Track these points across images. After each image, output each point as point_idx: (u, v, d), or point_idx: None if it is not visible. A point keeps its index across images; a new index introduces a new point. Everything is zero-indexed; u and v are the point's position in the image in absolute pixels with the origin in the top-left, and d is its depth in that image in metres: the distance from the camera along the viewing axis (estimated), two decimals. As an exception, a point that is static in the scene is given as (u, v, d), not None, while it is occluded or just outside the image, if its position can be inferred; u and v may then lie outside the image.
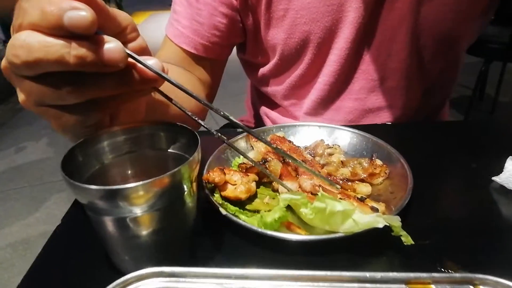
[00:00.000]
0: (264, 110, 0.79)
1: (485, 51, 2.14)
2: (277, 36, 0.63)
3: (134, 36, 0.33)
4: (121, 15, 0.32)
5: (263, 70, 0.71)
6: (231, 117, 0.33)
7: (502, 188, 0.40)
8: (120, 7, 4.38)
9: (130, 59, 0.29)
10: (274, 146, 0.36)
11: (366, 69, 0.64)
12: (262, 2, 0.61)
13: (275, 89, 0.72)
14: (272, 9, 0.61)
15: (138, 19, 5.59)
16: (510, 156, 0.41)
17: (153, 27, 5.13)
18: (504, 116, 2.64)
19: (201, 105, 0.63)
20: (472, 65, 2.23)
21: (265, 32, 0.64)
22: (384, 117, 0.68)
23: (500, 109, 2.68)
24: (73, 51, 0.26)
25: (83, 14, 0.25)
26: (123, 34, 0.32)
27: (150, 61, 0.30)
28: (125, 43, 0.32)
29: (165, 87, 0.33)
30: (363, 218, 0.31)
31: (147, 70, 0.30)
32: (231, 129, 0.61)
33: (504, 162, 0.41)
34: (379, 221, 0.31)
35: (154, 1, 6.59)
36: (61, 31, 0.26)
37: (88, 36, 0.26)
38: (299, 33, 0.61)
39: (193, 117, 0.33)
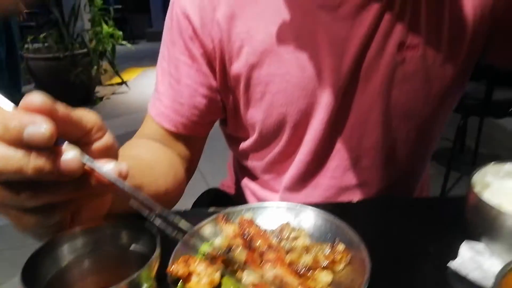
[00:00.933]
0: (245, 181, 0.81)
1: (462, 107, 2.23)
2: (256, 116, 0.67)
3: (99, 135, 0.35)
4: (86, 117, 0.34)
5: (243, 145, 0.74)
6: (181, 224, 0.34)
7: (458, 275, 0.42)
8: (112, 65, 4.51)
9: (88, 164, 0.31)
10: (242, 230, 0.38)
11: (341, 149, 0.67)
12: (240, 85, 0.65)
13: (255, 163, 0.75)
14: (251, 91, 0.65)
15: (130, 75, 5.73)
16: (464, 241, 0.42)
17: (145, 83, 5.25)
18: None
19: (180, 180, 0.65)
20: (451, 116, 2.31)
21: (244, 111, 0.67)
22: (361, 195, 0.70)
23: (482, 160, 2.74)
24: (31, 163, 0.28)
25: (42, 129, 0.28)
26: (88, 136, 0.34)
27: (107, 167, 0.32)
28: (89, 143, 0.34)
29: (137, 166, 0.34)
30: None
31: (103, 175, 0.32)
32: (203, 208, 0.63)
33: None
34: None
35: (146, 58, 6.81)
36: (22, 144, 0.28)
37: (47, 147, 0.29)
38: (276, 115, 0.65)
39: (151, 214, 0.34)
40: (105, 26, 4.38)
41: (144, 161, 0.57)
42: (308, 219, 0.49)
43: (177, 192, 0.64)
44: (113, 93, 4.85)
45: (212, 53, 0.64)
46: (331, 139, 0.66)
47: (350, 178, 0.69)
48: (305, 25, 0.60)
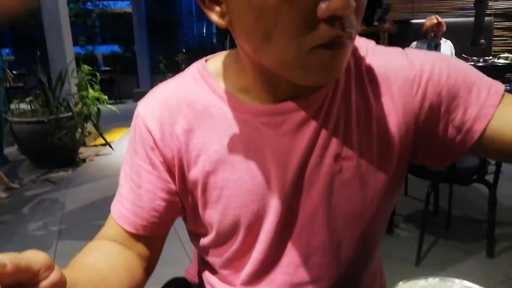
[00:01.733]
0: (206, 273, 0.85)
1: (430, 175, 2.34)
2: (213, 217, 0.72)
3: (47, 274, 0.39)
4: (35, 260, 0.38)
5: (203, 241, 0.78)
6: None
7: None
8: (97, 127, 4.58)
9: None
10: None
11: (292, 248, 0.72)
12: (198, 189, 0.71)
13: (214, 259, 0.79)
14: (207, 195, 0.71)
15: (115, 135, 5.81)
16: None
17: (128, 144, 5.31)
18: (459, 233, 2.75)
19: (137, 283, 0.69)
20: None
21: (202, 212, 0.73)
22: None
23: (455, 224, 2.81)
24: None
25: None
26: (35, 277, 0.38)
27: None
28: (36, 284, 0.38)
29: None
30: None
31: None
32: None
33: None
34: None
35: (131, 118, 6.93)
36: None
37: None
38: (231, 216, 0.70)
39: None
40: (91, 91, 4.52)
41: (98, 271, 0.62)
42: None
43: None
44: (96, 155, 4.89)
45: (171, 161, 0.71)
46: (283, 239, 0.72)
47: (302, 274, 0.73)
48: (253, 139, 0.68)
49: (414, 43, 4.85)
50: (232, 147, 0.69)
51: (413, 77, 0.67)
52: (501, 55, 5.18)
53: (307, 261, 0.73)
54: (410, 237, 2.60)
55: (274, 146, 0.67)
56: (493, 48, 6.12)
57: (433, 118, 0.68)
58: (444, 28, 4.62)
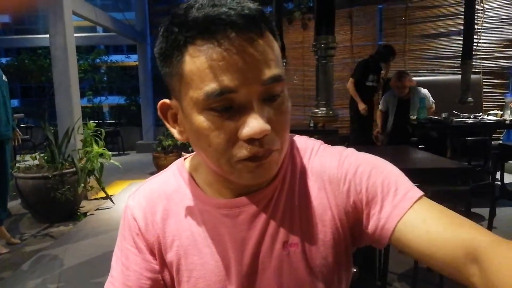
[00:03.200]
0: None
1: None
2: None
3: None
4: None
5: None
6: None
7: None
8: (99, 182, 4.71)
9: None
10: None
11: None
12: (173, 269, 0.84)
13: None
14: (180, 274, 0.83)
15: (116, 188, 5.92)
16: None
17: (129, 198, 5.40)
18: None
19: None
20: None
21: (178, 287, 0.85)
22: None
23: (448, 280, 2.83)
24: None
25: None
26: None
27: None
28: None
29: None
30: None
31: None
32: None
33: None
34: None
35: (134, 169, 7.09)
36: None
37: None
38: None
39: None
40: (95, 146, 4.70)
41: None
42: None
43: None
44: (97, 209, 4.97)
45: (153, 245, 0.85)
46: None
47: None
48: (216, 228, 0.82)
49: (386, 94, 5.47)
50: (199, 234, 0.84)
51: (340, 176, 0.81)
52: (491, 112, 5.38)
53: None
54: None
55: (232, 234, 0.82)
56: (483, 104, 6.36)
57: (358, 212, 0.80)
58: (409, 84, 5.10)
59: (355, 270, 1.32)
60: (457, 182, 2.77)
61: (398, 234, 0.73)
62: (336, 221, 0.81)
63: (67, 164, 4.56)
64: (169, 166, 0.93)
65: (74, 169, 4.45)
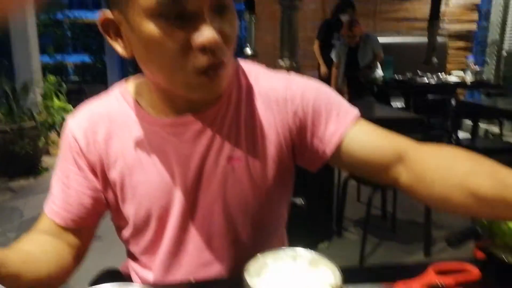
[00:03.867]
0: (130, 262, 0.97)
1: (372, 180, 2.52)
2: (129, 211, 0.86)
3: None
4: None
5: (124, 233, 0.91)
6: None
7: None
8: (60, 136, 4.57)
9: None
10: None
11: (196, 234, 0.86)
12: (117, 187, 0.85)
13: (134, 248, 0.92)
14: (124, 192, 0.85)
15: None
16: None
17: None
18: (403, 235, 2.95)
19: (65, 267, 0.80)
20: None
21: (121, 206, 0.87)
22: (218, 269, 0.88)
23: (400, 227, 3.01)
24: None
25: None
26: None
27: None
28: None
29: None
30: None
31: None
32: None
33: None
34: None
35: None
36: None
37: None
38: (144, 210, 0.84)
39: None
40: (56, 100, 4.54)
41: (28, 252, 0.75)
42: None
43: (61, 277, 0.81)
44: (60, 164, 4.86)
45: (95, 164, 0.85)
46: (187, 227, 0.85)
47: (207, 256, 0.87)
48: (160, 146, 0.83)
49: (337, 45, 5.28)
50: (144, 153, 0.85)
51: (287, 97, 0.85)
52: (453, 73, 5.54)
53: (210, 244, 0.87)
54: (357, 240, 2.77)
55: (177, 151, 0.83)
56: (447, 65, 6.52)
57: (302, 131, 0.86)
58: (359, 33, 4.92)
59: (303, 202, 1.38)
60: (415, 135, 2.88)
61: (342, 147, 0.82)
62: (280, 139, 0.85)
63: (26, 118, 4.39)
64: (110, 89, 0.91)
65: (34, 123, 4.30)
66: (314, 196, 2.19)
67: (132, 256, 0.95)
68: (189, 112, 0.81)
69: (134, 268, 0.95)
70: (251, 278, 0.62)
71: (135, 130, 0.84)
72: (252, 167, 0.83)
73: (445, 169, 0.71)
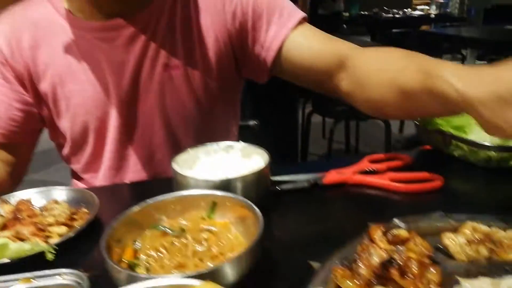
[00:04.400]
0: (74, 182, 0.95)
1: (333, 114, 2.56)
2: (65, 125, 0.82)
3: None
4: None
5: (64, 151, 0.88)
6: None
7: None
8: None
9: None
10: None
11: (137, 148, 0.84)
12: (49, 99, 0.80)
13: (76, 166, 0.89)
14: (58, 105, 0.80)
15: None
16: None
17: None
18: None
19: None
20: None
21: (57, 121, 0.83)
22: None
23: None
24: None
25: None
26: None
27: None
28: None
29: None
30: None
31: None
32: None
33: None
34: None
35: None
36: None
37: None
38: (80, 122, 0.81)
39: None
40: None
41: None
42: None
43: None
44: None
45: (22, 75, 0.79)
46: (127, 140, 0.83)
47: (149, 171, 0.86)
48: (91, 53, 0.78)
49: None
50: (74, 61, 0.79)
51: None
52: (418, 7, 5.52)
53: (152, 159, 0.85)
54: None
55: (109, 58, 0.78)
56: (413, 1, 6.47)
57: (243, 35, 0.81)
58: None
59: (255, 122, 1.38)
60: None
61: (284, 52, 0.78)
62: (220, 44, 0.81)
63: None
64: None
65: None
66: (278, 136, 2.22)
67: (76, 176, 0.93)
68: (120, 16, 0.76)
69: (78, 185, 0.94)
70: (180, 168, 0.62)
71: (64, 37, 0.78)
72: (191, 76, 0.80)
73: (379, 70, 0.69)
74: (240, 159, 0.66)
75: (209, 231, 0.49)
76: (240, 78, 0.89)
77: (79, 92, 0.79)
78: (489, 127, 0.47)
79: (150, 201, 0.52)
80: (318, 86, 0.81)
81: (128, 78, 0.78)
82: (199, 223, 0.51)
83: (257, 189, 0.59)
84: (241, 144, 0.68)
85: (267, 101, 2.18)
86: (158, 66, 0.79)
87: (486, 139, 0.71)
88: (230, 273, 0.39)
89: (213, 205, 0.53)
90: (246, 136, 1.07)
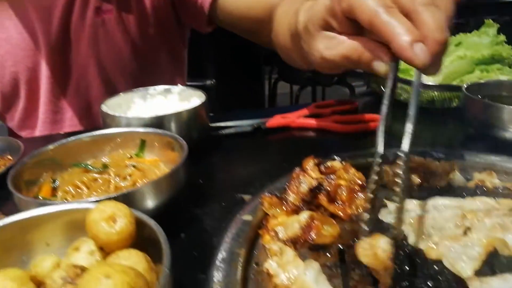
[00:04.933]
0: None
1: (298, 80, 2.55)
2: None
3: None
4: None
5: None
6: None
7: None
8: None
9: None
10: None
11: (72, 101, 0.79)
12: None
13: (12, 123, 0.84)
14: None
15: None
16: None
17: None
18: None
19: None
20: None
21: None
22: None
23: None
24: None
25: None
26: None
27: None
28: None
29: None
30: None
31: None
32: None
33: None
34: None
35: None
36: None
37: None
38: (9, 74, 0.76)
39: None
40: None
41: None
42: None
43: None
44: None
45: None
46: (62, 92, 0.78)
47: (86, 124, 0.81)
48: None
49: None
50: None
51: None
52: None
53: (89, 110, 0.81)
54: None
55: (36, 3, 0.72)
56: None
57: None
58: None
59: (212, 82, 1.34)
60: None
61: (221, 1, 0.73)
62: None
63: None
64: None
65: None
66: (244, 102, 2.18)
67: (13, 135, 0.88)
68: None
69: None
70: (107, 108, 0.58)
71: None
72: (126, 21, 0.75)
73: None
74: (178, 102, 0.63)
75: (135, 167, 0.47)
76: (181, 26, 0.84)
77: (5, 40, 0.74)
78: (313, 62, 0.41)
79: (71, 139, 0.49)
80: (255, 37, 0.77)
81: (57, 23, 0.73)
82: (124, 160, 0.49)
83: (192, 128, 0.57)
84: (179, 87, 0.65)
85: (232, 66, 2.13)
86: (89, 10, 0.74)
87: (429, 79, 0.71)
88: (144, 198, 0.37)
89: (142, 143, 0.50)
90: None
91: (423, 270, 0.35)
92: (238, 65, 2.18)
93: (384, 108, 0.36)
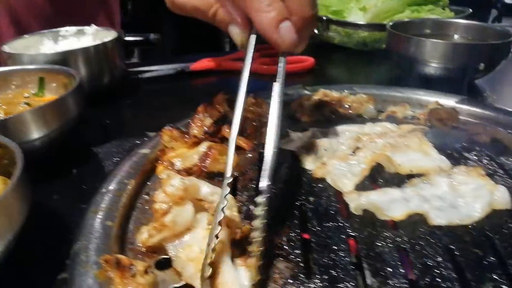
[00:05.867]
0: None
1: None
2: None
3: None
4: None
5: None
6: None
7: None
8: None
9: None
10: None
11: None
12: None
13: None
14: None
15: None
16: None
17: None
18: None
19: None
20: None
21: None
22: None
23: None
24: None
25: None
26: None
27: None
28: None
29: None
30: None
31: None
32: None
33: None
34: None
35: None
36: None
37: None
38: None
39: None
40: None
41: None
42: None
43: None
44: None
45: None
46: None
47: None
48: None
49: None
50: None
51: None
52: None
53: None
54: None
55: None
56: None
57: None
58: None
59: (157, 36, 1.28)
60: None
61: None
62: None
63: None
64: None
65: None
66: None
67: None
68: None
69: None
70: (10, 49, 0.54)
71: None
72: None
73: None
74: (91, 43, 0.59)
75: (28, 104, 0.43)
76: None
77: None
78: None
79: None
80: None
81: None
82: (20, 99, 0.45)
83: (103, 69, 0.53)
84: (93, 28, 0.60)
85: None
86: None
87: (360, 19, 0.70)
88: (25, 127, 0.35)
89: (41, 81, 0.47)
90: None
91: (307, 188, 0.34)
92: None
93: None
